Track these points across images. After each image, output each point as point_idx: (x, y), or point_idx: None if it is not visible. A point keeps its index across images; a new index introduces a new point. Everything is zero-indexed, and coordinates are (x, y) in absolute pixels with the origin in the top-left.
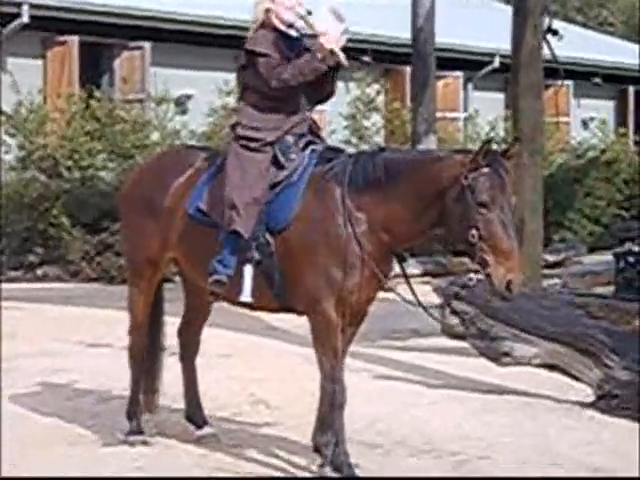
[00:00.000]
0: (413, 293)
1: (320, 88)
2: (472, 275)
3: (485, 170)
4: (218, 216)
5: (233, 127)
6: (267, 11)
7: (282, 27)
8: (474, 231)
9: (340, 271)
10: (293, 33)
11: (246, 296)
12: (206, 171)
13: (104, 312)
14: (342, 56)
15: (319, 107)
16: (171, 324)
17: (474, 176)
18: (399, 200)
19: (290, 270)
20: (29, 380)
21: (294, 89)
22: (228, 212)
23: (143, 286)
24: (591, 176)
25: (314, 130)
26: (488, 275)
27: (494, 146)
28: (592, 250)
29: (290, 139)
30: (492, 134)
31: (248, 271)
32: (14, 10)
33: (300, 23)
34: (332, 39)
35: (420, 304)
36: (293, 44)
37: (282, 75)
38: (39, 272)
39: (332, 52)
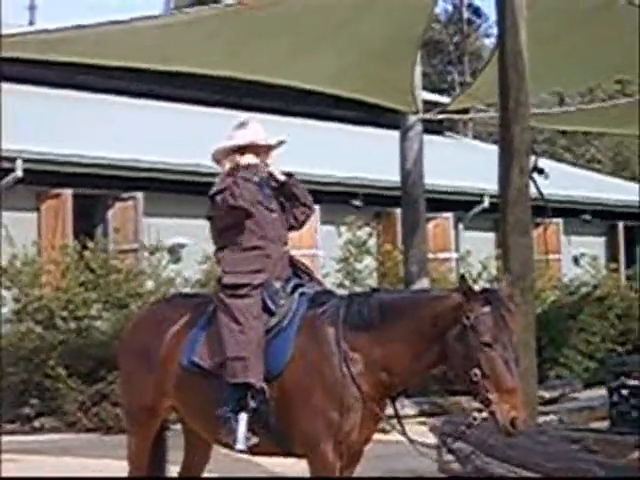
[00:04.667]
0: (404, 432)
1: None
2: (476, 414)
3: (486, 309)
4: (215, 369)
5: (219, 279)
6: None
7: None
8: (477, 370)
9: (337, 413)
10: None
11: (240, 445)
12: (197, 321)
13: (101, 462)
14: None
15: (312, 251)
16: (172, 472)
17: (476, 315)
18: (397, 339)
19: (287, 414)
20: None
21: (265, 225)
22: (234, 364)
23: (141, 434)
24: (584, 312)
25: (296, 263)
26: (492, 413)
27: (488, 285)
28: (588, 385)
29: (277, 284)
30: (484, 273)
31: (242, 419)
32: (8, 165)
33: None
34: None
35: (411, 441)
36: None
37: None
38: (36, 424)
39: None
